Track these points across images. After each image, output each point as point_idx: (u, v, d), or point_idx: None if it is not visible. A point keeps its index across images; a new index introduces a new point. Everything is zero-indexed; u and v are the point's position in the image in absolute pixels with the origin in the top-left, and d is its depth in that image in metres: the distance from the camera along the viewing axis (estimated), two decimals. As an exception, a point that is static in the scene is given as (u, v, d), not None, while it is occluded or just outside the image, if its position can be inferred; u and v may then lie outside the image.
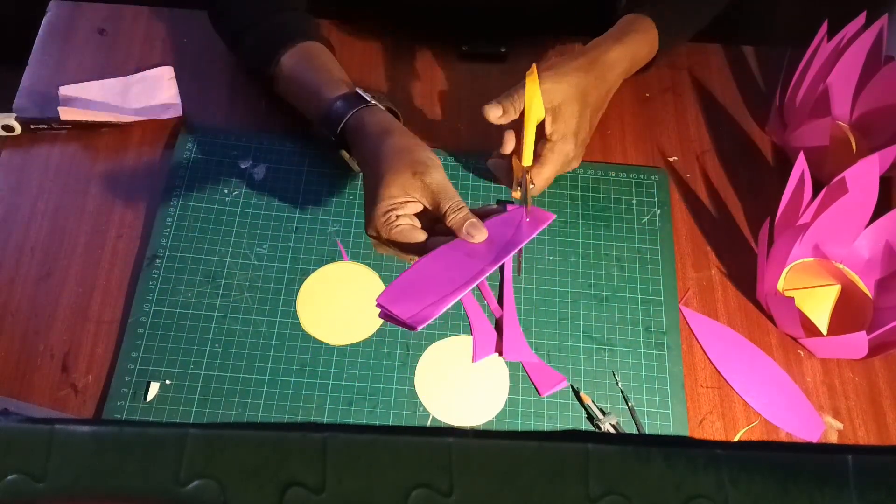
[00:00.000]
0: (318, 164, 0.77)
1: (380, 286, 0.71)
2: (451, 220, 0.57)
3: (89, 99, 0.78)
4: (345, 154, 0.71)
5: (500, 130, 0.69)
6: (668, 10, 0.75)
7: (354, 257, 0.73)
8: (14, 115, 0.75)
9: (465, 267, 0.56)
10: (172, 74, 0.80)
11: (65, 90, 0.78)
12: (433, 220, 0.60)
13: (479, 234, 0.57)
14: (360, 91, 0.69)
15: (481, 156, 0.79)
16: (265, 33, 0.74)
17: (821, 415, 0.68)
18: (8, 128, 0.75)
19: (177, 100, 0.79)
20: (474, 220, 0.57)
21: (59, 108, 0.75)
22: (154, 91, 0.79)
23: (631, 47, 0.73)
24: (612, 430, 0.66)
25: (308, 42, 0.73)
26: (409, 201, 0.59)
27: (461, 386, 0.67)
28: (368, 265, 0.72)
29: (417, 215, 0.59)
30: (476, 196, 0.76)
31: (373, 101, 0.68)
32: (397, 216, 0.58)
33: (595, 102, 0.71)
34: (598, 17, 0.93)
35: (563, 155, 0.69)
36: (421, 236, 0.58)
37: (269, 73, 0.73)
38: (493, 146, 0.70)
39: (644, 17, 0.74)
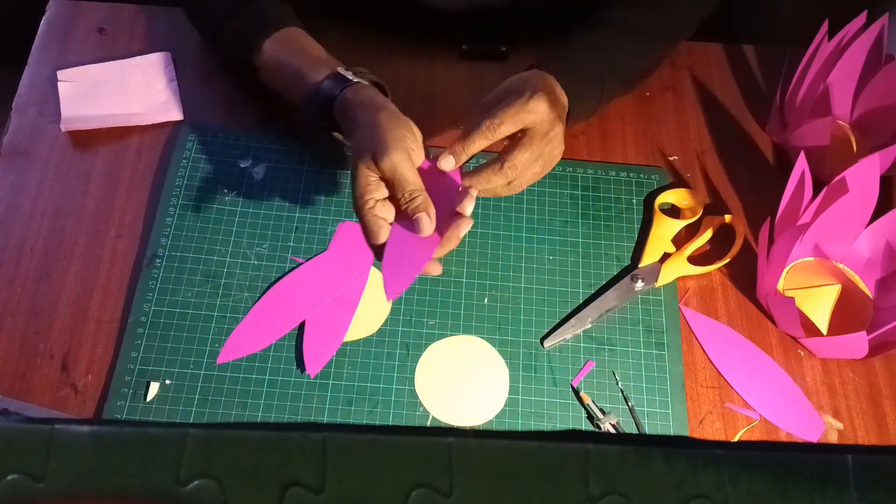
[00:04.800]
0: (318, 164, 0.77)
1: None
2: (406, 207, 0.58)
3: (88, 87, 0.79)
4: (338, 135, 0.70)
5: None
6: (572, 72, 0.69)
7: (354, 257, 0.73)
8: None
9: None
10: (170, 61, 0.81)
11: (63, 74, 0.79)
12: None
13: (427, 227, 0.58)
14: (341, 70, 0.67)
15: (481, 156, 0.79)
16: (244, 22, 0.73)
17: (821, 415, 0.68)
18: None
19: (175, 91, 0.79)
20: (422, 214, 0.58)
21: (61, 124, 0.76)
22: (152, 79, 0.80)
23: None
24: (612, 430, 0.66)
25: (288, 28, 0.72)
26: (376, 185, 0.59)
27: (461, 386, 0.67)
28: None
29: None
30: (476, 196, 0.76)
31: (356, 80, 0.66)
32: (374, 201, 0.58)
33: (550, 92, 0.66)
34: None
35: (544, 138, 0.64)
36: (383, 236, 0.58)
37: (252, 62, 0.72)
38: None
39: (550, 77, 0.68)
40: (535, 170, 0.65)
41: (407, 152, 0.59)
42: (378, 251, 0.59)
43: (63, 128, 0.76)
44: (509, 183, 0.64)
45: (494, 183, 0.64)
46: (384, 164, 0.58)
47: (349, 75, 0.67)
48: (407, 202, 0.58)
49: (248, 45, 0.72)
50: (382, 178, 0.59)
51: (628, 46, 0.74)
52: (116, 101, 0.78)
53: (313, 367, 0.67)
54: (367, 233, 0.59)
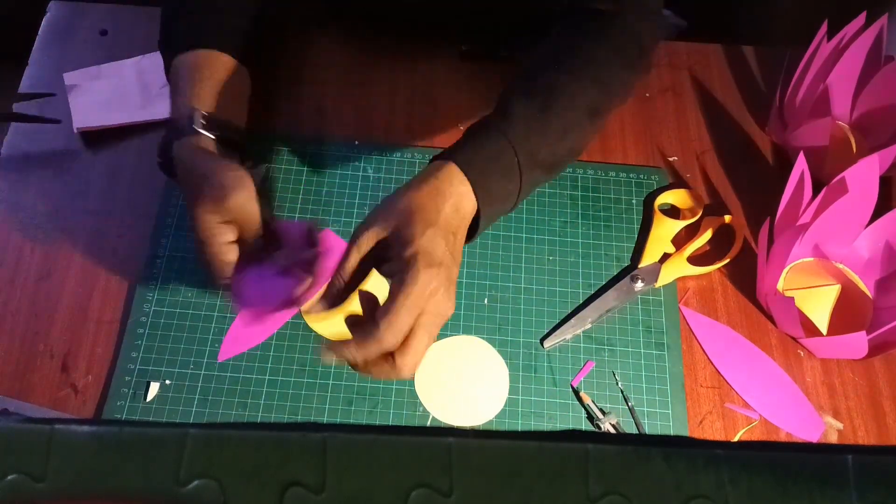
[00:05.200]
0: (318, 164, 0.77)
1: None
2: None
3: (95, 88, 0.79)
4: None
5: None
6: (480, 161, 0.58)
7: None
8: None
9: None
10: None
11: (70, 78, 0.79)
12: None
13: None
14: (198, 115, 0.62)
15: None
16: (177, 30, 0.69)
17: (821, 415, 0.68)
18: None
19: None
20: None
21: (73, 126, 0.77)
22: (157, 77, 0.80)
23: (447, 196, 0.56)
24: (612, 430, 0.66)
25: (204, 51, 0.66)
26: (221, 228, 0.57)
27: (461, 386, 0.67)
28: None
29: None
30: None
31: (200, 130, 0.61)
32: (220, 245, 0.57)
33: (441, 222, 0.55)
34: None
35: (422, 283, 0.52)
36: (228, 271, 0.57)
37: (167, 74, 0.69)
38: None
39: (452, 167, 0.57)
40: (422, 336, 0.53)
41: (251, 192, 0.57)
42: (234, 292, 0.58)
43: (76, 129, 0.76)
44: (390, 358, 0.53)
45: (368, 350, 0.52)
46: (231, 202, 0.56)
47: (198, 124, 0.61)
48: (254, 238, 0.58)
49: (166, 53, 0.68)
50: (226, 221, 0.57)
51: (557, 125, 0.61)
52: (125, 101, 0.78)
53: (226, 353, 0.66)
54: (215, 273, 0.57)
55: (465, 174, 0.57)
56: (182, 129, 0.61)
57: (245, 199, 0.56)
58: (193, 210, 0.57)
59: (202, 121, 0.62)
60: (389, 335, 0.51)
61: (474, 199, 0.57)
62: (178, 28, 0.69)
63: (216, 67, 0.66)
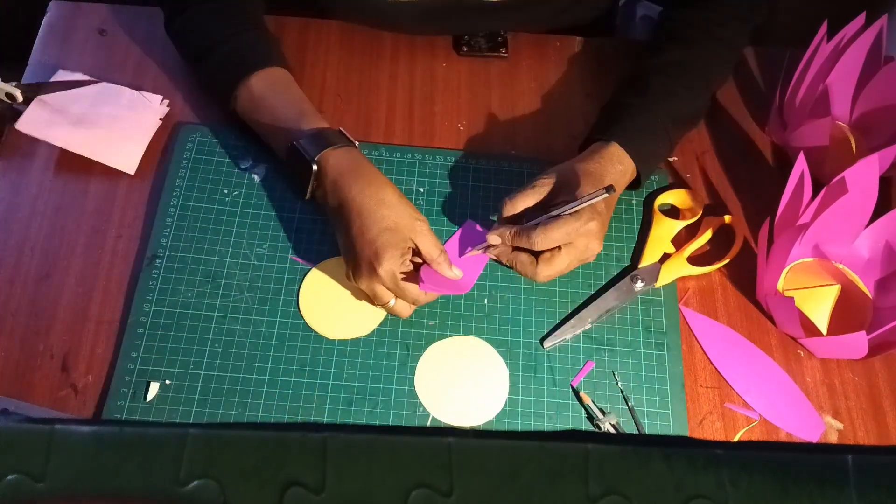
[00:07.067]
0: (318, 164, 0.77)
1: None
2: (437, 266, 0.66)
3: (60, 110, 0.75)
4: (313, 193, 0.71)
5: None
6: (636, 138, 0.71)
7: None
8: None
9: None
10: (164, 110, 0.78)
11: (50, 99, 0.76)
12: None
13: (453, 274, 0.67)
14: (342, 130, 0.70)
15: (481, 156, 0.79)
16: (233, 52, 0.73)
17: (821, 415, 0.68)
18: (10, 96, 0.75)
19: (145, 141, 0.76)
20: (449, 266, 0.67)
21: (16, 124, 0.73)
22: (132, 121, 0.77)
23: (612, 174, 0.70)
24: (612, 430, 0.66)
25: (276, 67, 0.73)
26: (404, 259, 0.65)
27: (461, 386, 0.67)
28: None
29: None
30: (476, 197, 0.76)
31: (347, 142, 0.69)
32: (401, 267, 0.65)
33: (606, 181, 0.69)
34: (597, 16, 0.93)
35: (583, 220, 0.66)
36: (416, 289, 0.66)
37: (234, 93, 0.72)
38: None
39: (615, 146, 0.70)
40: (564, 257, 0.67)
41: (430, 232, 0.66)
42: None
43: (17, 127, 0.74)
44: (536, 261, 0.67)
45: (518, 242, 0.67)
46: (421, 241, 0.65)
47: (347, 135, 0.70)
48: (438, 264, 0.66)
49: (234, 75, 0.72)
50: (413, 249, 0.66)
51: (684, 90, 0.74)
52: (78, 132, 0.75)
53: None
54: (406, 292, 0.65)
55: (626, 150, 0.70)
56: (329, 142, 0.68)
57: (432, 241, 0.66)
58: (383, 253, 0.63)
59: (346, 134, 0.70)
60: (539, 240, 0.65)
61: (634, 167, 0.71)
62: (234, 54, 0.74)
63: (293, 83, 0.74)
